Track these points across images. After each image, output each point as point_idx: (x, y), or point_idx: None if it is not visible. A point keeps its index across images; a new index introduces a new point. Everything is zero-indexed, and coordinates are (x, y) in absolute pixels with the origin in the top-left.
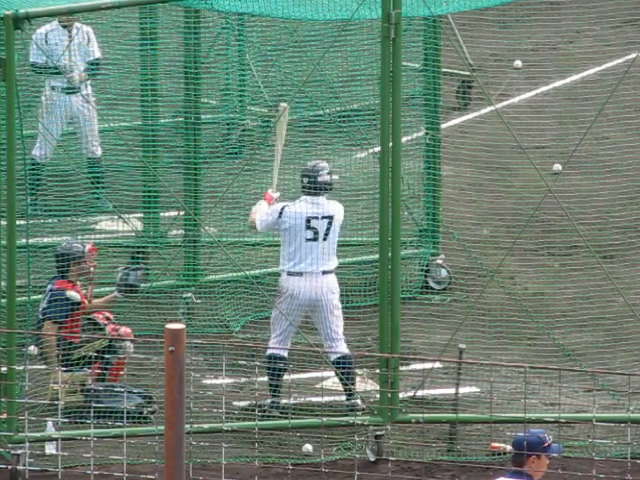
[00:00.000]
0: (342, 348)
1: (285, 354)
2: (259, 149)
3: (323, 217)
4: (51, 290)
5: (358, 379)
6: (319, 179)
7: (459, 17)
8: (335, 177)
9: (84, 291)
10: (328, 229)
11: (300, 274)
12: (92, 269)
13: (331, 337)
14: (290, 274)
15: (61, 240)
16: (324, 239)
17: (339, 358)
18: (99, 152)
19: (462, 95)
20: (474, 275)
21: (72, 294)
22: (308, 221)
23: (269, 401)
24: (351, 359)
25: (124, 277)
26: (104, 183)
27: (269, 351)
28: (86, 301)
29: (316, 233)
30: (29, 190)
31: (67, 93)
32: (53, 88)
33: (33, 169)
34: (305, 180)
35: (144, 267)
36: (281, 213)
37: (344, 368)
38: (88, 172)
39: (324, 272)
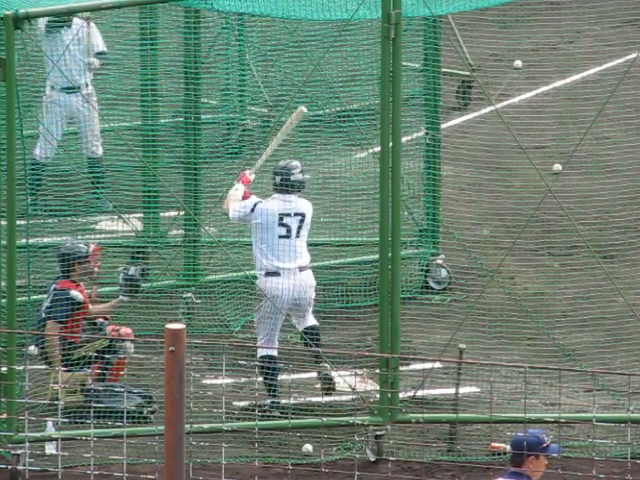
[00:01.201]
0: (310, 319)
1: (275, 353)
2: (259, 149)
3: (295, 214)
4: (54, 290)
5: (358, 379)
6: (291, 178)
7: (459, 17)
8: (307, 176)
9: (88, 291)
10: (300, 226)
11: (277, 273)
12: (96, 269)
13: (305, 319)
14: (268, 274)
15: (61, 240)
16: (297, 236)
17: (307, 328)
18: (100, 152)
19: (462, 95)
20: (474, 275)
21: (75, 294)
22: (281, 218)
23: (269, 401)
24: (318, 329)
25: (125, 276)
26: (104, 183)
27: (260, 352)
28: (89, 303)
29: (289, 230)
30: (29, 190)
31: (67, 92)
32: (53, 87)
33: (33, 169)
34: (278, 178)
35: (143, 264)
36: (253, 209)
37: (312, 335)
38: (88, 172)
39: (300, 269)
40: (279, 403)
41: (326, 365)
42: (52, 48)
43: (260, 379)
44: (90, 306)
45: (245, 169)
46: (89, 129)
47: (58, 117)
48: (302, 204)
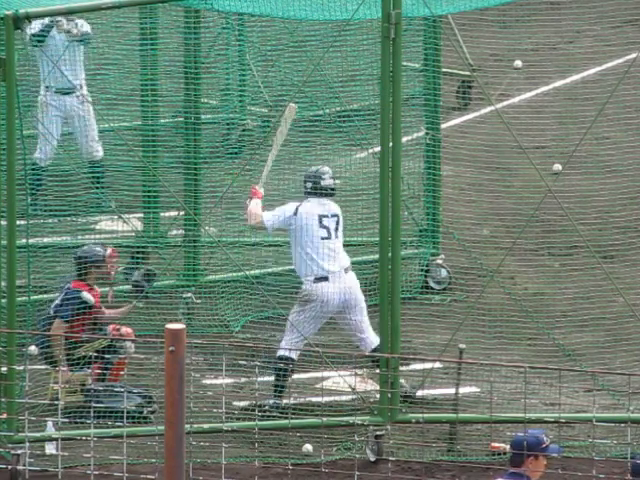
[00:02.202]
0: (373, 337)
1: (295, 356)
2: (259, 149)
3: (332, 215)
4: (67, 289)
5: (358, 379)
6: (322, 183)
7: (459, 17)
8: (337, 181)
9: (105, 292)
10: (336, 228)
11: (326, 278)
12: (112, 273)
13: (361, 329)
14: (317, 280)
15: (61, 240)
16: (335, 237)
17: (377, 347)
18: (100, 154)
19: (462, 95)
20: (474, 275)
21: (86, 296)
22: (320, 220)
23: (271, 402)
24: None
25: (133, 282)
26: (104, 184)
27: (280, 352)
28: (103, 306)
29: (328, 231)
30: (29, 190)
31: (62, 94)
32: (47, 88)
33: (34, 169)
34: (309, 185)
35: (145, 266)
36: (296, 212)
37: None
38: (90, 174)
39: (345, 270)
40: (280, 404)
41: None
42: (45, 49)
43: (265, 378)
44: (105, 310)
45: (253, 185)
46: (86, 131)
47: (54, 118)
48: (334, 206)
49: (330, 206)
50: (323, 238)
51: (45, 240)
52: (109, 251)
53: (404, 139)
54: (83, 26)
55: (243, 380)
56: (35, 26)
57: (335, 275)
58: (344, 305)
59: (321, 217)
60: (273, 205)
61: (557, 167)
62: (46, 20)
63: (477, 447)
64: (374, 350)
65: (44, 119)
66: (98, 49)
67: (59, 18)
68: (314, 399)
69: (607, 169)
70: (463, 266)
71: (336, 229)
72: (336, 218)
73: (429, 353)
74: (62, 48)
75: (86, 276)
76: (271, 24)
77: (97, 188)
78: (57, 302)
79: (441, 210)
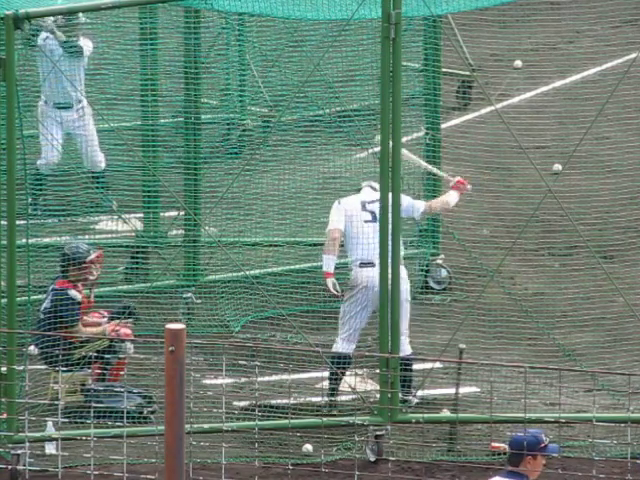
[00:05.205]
0: (406, 345)
1: (350, 350)
2: (259, 149)
3: (376, 200)
4: (53, 289)
5: (358, 379)
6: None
7: (459, 17)
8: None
9: (86, 294)
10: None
11: (372, 264)
12: (91, 277)
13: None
14: (363, 265)
15: (61, 240)
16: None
17: (407, 358)
18: (103, 164)
19: (462, 95)
20: (474, 275)
21: (74, 293)
22: (363, 205)
23: (326, 399)
24: (410, 361)
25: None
26: (105, 184)
27: (335, 347)
28: (86, 306)
29: (374, 215)
30: (29, 191)
31: (58, 107)
32: (46, 102)
33: (36, 175)
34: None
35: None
36: (339, 202)
37: (404, 370)
38: (94, 183)
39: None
40: (334, 402)
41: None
42: (42, 63)
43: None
44: (82, 328)
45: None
46: (87, 144)
47: (53, 127)
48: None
49: (373, 194)
50: (366, 221)
51: (45, 240)
52: (94, 254)
53: (404, 139)
54: (80, 40)
55: (243, 380)
56: (42, 35)
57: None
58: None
59: (364, 202)
60: (271, 207)
61: (557, 167)
62: (46, 32)
63: (477, 447)
64: (402, 361)
65: (44, 131)
66: (98, 49)
67: (50, 24)
68: (314, 399)
69: (607, 169)
70: (463, 266)
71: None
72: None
73: (429, 353)
74: (60, 63)
75: (67, 274)
76: (271, 24)
77: (102, 195)
78: (46, 305)
79: None
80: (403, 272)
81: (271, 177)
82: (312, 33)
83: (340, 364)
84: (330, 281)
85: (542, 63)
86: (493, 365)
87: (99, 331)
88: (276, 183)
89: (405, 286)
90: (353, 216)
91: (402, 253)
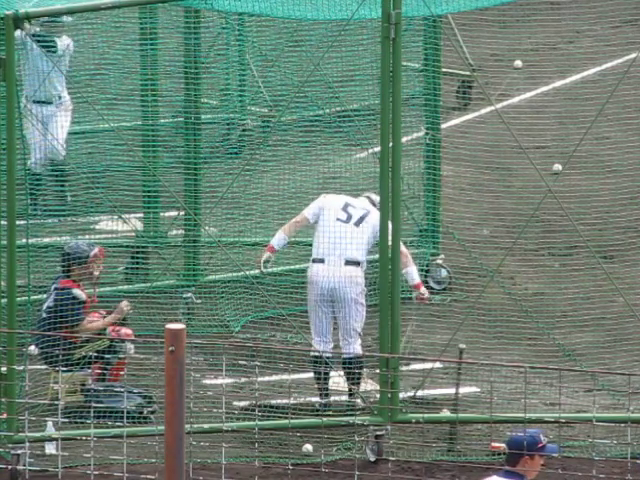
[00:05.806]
0: (354, 347)
1: (326, 348)
2: (259, 149)
3: (361, 208)
4: (56, 289)
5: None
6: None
7: (459, 17)
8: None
9: (89, 291)
10: (362, 218)
11: (322, 260)
12: (96, 273)
13: (348, 332)
14: (314, 261)
15: (61, 240)
16: (356, 224)
17: (348, 357)
18: (63, 153)
19: (462, 95)
20: (474, 275)
21: (78, 292)
22: (345, 206)
23: (317, 402)
24: (360, 361)
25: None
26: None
27: (312, 352)
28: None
29: (349, 217)
30: (29, 191)
31: (40, 103)
32: (27, 97)
33: (34, 175)
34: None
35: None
36: (324, 197)
37: (349, 368)
38: (55, 174)
39: (347, 262)
40: (328, 403)
41: (358, 401)
42: (23, 59)
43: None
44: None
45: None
46: (57, 133)
47: (37, 126)
48: (370, 206)
49: (364, 203)
50: (338, 219)
51: (45, 240)
52: (95, 251)
53: (404, 139)
54: (63, 39)
55: (243, 380)
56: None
57: (332, 260)
58: (332, 294)
59: (347, 204)
60: (271, 207)
61: (557, 167)
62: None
63: (477, 447)
64: (345, 360)
65: (29, 128)
66: (98, 49)
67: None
68: (314, 399)
69: (607, 169)
70: (463, 266)
71: (361, 218)
72: (365, 212)
73: (429, 353)
74: (39, 60)
75: (70, 273)
76: (271, 24)
77: (62, 186)
78: (49, 304)
79: (441, 210)
80: (355, 271)
81: (271, 177)
82: (312, 33)
83: (317, 364)
84: (267, 255)
85: (542, 63)
86: (493, 365)
87: (100, 326)
88: (276, 183)
89: (352, 288)
90: (328, 211)
91: (364, 258)
